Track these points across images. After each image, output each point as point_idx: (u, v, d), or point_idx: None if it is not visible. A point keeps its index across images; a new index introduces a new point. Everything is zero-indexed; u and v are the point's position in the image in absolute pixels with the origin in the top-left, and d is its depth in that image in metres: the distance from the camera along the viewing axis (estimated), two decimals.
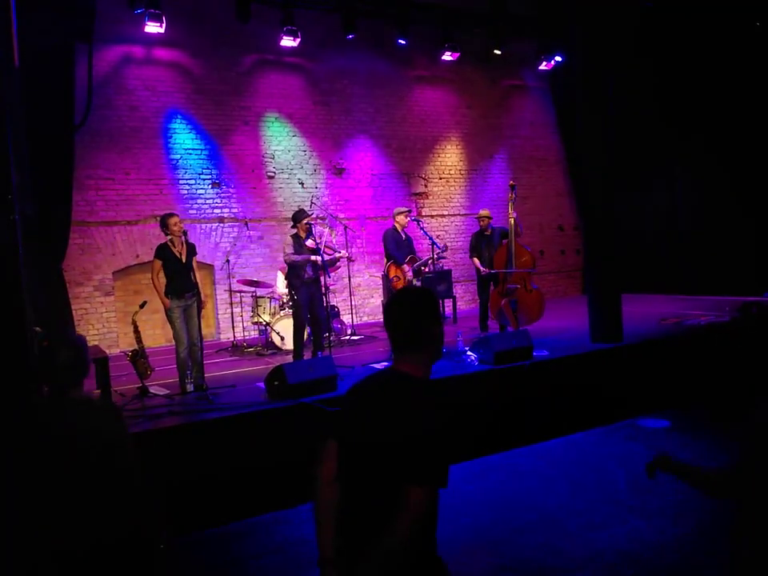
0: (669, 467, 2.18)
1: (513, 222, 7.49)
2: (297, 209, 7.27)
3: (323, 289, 7.01)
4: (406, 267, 7.44)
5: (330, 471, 1.92)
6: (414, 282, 7.35)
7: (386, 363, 6.42)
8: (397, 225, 7.63)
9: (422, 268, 7.52)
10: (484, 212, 7.99)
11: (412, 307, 1.94)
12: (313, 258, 6.61)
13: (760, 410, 1.86)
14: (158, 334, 8.94)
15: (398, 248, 7.46)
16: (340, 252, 6.91)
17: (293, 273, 6.73)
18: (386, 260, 7.65)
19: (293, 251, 6.64)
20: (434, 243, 7.22)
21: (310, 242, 6.66)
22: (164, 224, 5.95)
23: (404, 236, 7.55)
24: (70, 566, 2.11)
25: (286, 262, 6.77)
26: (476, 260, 7.84)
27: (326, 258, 6.88)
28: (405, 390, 1.86)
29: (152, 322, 8.70)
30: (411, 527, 1.72)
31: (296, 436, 4.92)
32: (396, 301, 2.04)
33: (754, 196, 9.76)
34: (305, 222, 6.72)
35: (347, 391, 2.04)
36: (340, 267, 9.01)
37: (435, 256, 7.23)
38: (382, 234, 7.84)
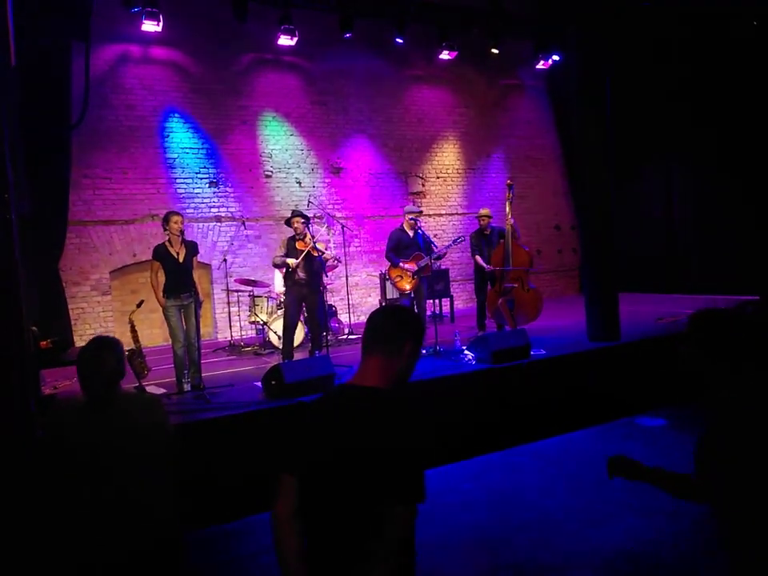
0: (624, 471, 2.06)
1: (510, 227, 7.48)
2: (294, 208, 7.26)
3: (321, 290, 7.00)
4: (407, 266, 7.31)
5: (289, 508, 1.78)
6: (414, 278, 7.27)
7: None
8: (405, 224, 7.54)
9: (431, 263, 7.39)
10: (484, 211, 7.99)
11: (399, 317, 1.91)
12: (288, 260, 6.56)
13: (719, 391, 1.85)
14: (155, 334, 8.93)
15: (397, 248, 7.40)
16: (325, 253, 6.78)
17: (286, 273, 6.77)
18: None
19: (282, 254, 6.68)
20: (431, 245, 7.23)
21: (299, 244, 6.65)
22: (165, 222, 5.98)
23: (412, 234, 7.42)
24: (113, 562, 2.14)
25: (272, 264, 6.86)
26: (478, 258, 7.82)
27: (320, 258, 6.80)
28: (372, 405, 1.75)
29: (149, 321, 8.69)
30: (399, 547, 1.67)
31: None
32: (384, 310, 2.01)
33: (750, 196, 9.77)
34: (293, 223, 6.72)
35: (299, 419, 1.87)
36: (337, 267, 9.00)
37: (433, 260, 7.28)
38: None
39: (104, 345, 2.38)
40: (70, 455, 2.20)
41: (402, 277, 7.31)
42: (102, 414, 2.26)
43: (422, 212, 7.85)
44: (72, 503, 2.17)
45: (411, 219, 7.36)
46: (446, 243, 7.73)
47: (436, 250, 7.30)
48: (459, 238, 7.65)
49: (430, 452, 1.76)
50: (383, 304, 9.32)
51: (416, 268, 7.21)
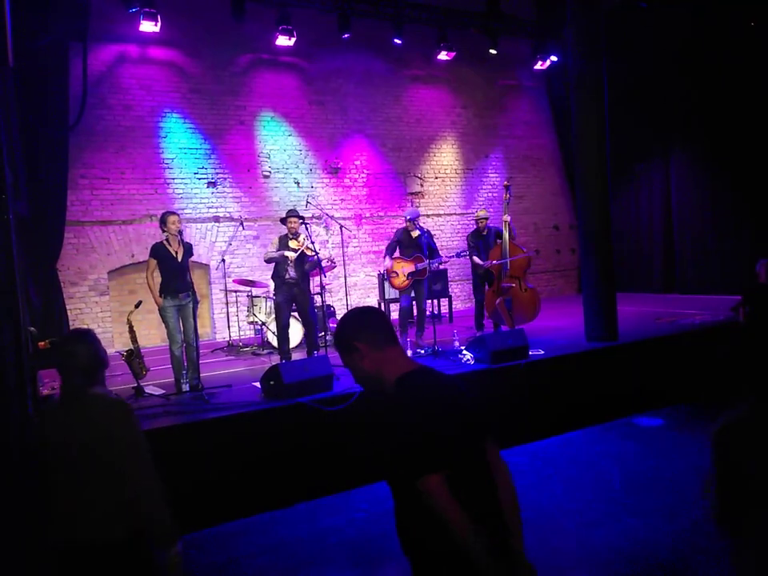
0: None
1: (506, 225, 7.50)
2: (292, 208, 7.26)
3: (318, 290, 6.99)
4: (405, 267, 7.32)
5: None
6: (406, 279, 7.28)
7: None
8: (408, 224, 7.55)
9: (429, 268, 7.39)
10: (482, 213, 8.00)
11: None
12: (286, 253, 6.56)
13: (729, 413, 1.83)
14: (153, 334, 8.92)
15: (396, 246, 7.43)
16: (320, 252, 6.73)
17: (275, 272, 6.74)
18: None
19: (274, 249, 6.68)
20: (435, 251, 7.27)
21: (292, 243, 6.64)
22: (162, 222, 5.96)
23: (415, 236, 7.41)
24: (76, 560, 2.19)
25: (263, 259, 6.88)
26: (475, 258, 7.82)
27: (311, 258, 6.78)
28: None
29: (147, 321, 8.68)
30: (438, 516, 1.72)
31: (291, 436, 4.92)
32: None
33: (749, 195, 9.79)
34: (289, 223, 6.72)
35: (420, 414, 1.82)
36: (335, 267, 9.00)
37: (431, 266, 7.30)
38: None
39: (77, 337, 2.43)
40: (44, 446, 2.31)
41: (397, 274, 7.34)
42: (69, 410, 2.32)
43: (418, 219, 7.69)
44: (50, 488, 2.28)
45: (411, 224, 7.43)
46: (450, 255, 7.79)
47: (435, 259, 7.29)
48: (463, 252, 7.65)
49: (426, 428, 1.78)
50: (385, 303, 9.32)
51: (413, 269, 7.20)
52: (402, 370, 1.88)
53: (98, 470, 2.22)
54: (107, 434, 2.25)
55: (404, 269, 7.24)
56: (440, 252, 7.62)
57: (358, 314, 2.03)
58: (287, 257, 6.54)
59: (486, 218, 7.95)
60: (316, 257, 6.61)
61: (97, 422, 2.27)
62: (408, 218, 7.30)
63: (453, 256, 7.71)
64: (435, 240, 7.95)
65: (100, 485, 2.22)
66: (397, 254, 7.48)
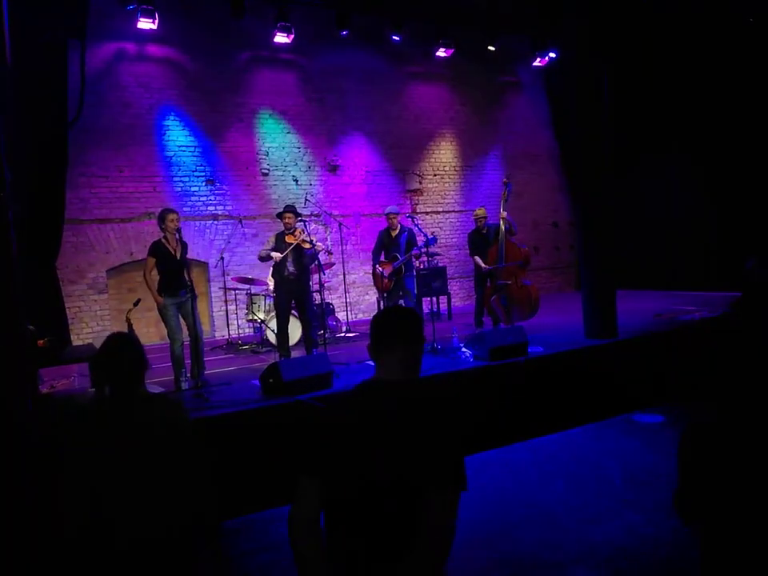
0: None
1: (503, 221, 7.50)
2: (288, 204, 7.28)
3: (316, 286, 7.00)
4: (379, 268, 7.43)
5: (313, 512, 1.83)
6: (388, 280, 7.34)
7: None
8: (388, 224, 7.66)
9: (403, 266, 7.42)
10: (480, 211, 8.01)
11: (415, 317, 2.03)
12: (272, 254, 6.56)
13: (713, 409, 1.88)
14: (152, 332, 8.92)
15: (380, 249, 7.58)
16: (316, 245, 6.70)
17: (274, 269, 6.74)
18: None
19: (270, 247, 6.68)
20: (425, 240, 7.24)
21: (288, 237, 6.64)
22: (161, 219, 5.93)
23: (394, 235, 7.52)
24: (139, 554, 2.19)
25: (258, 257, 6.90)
26: (477, 258, 7.84)
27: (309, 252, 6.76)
28: (407, 397, 1.86)
29: (146, 319, 8.68)
30: (447, 534, 1.71)
31: (291, 433, 4.92)
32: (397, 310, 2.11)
33: (749, 192, 9.79)
34: (284, 218, 6.73)
35: (320, 419, 1.91)
36: (335, 264, 8.99)
37: (410, 256, 7.30)
38: None
39: (126, 340, 2.46)
40: (89, 448, 2.24)
41: (378, 278, 7.42)
42: (126, 412, 2.31)
43: (397, 213, 7.69)
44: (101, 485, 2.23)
45: (391, 220, 7.52)
46: (422, 245, 7.33)
47: (409, 253, 7.28)
48: (432, 238, 7.32)
49: (467, 439, 1.82)
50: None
51: (390, 270, 7.25)
52: (373, 377, 1.92)
53: (158, 469, 2.24)
54: (172, 431, 2.30)
55: (385, 271, 7.33)
56: (420, 241, 7.46)
57: (376, 317, 2.06)
58: (273, 257, 6.54)
59: (485, 217, 7.96)
60: (313, 249, 6.60)
61: (163, 419, 2.32)
62: (389, 213, 7.46)
63: (422, 245, 7.28)
64: (438, 239, 7.97)
65: (159, 484, 2.23)
66: (382, 256, 7.59)
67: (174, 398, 2.57)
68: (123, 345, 2.41)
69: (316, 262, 6.82)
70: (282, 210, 6.94)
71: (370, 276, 10.50)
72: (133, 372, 2.36)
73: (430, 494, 1.70)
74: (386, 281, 7.35)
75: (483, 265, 7.70)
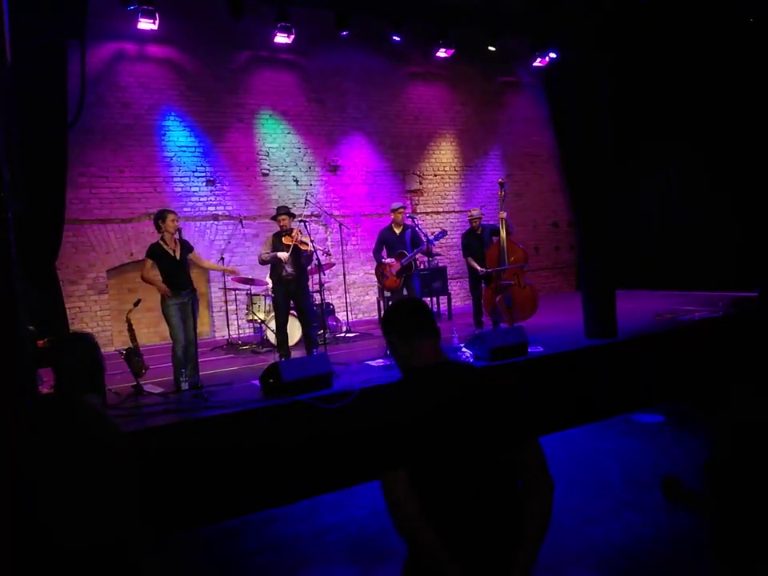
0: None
1: (502, 222, 7.50)
2: (284, 204, 7.29)
3: (316, 287, 6.99)
4: (389, 261, 7.44)
5: (416, 501, 1.81)
6: (396, 278, 7.33)
7: (381, 360, 6.43)
8: (393, 221, 7.66)
9: (413, 263, 7.44)
10: (475, 211, 8.02)
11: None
12: (279, 255, 6.55)
13: (732, 408, 1.89)
14: (152, 332, 8.92)
15: (381, 247, 7.57)
16: (315, 247, 6.72)
17: (272, 270, 6.74)
18: None
19: (269, 250, 6.68)
20: (428, 240, 7.25)
21: (285, 239, 6.64)
22: (160, 220, 5.83)
23: (398, 232, 7.53)
24: (62, 566, 2.10)
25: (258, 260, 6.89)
26: (470, 260, 7.84)
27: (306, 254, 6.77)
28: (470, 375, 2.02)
29: (146, 320, 8.68)
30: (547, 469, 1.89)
31: (291, 433, 4.92)
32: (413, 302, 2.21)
33: (747, 191, 9.78)
34: (280, 221, 6.73)
35: (398, 405, 1.92)
36: (335, 265, 8.99)
37: (418, 254, 7.30)
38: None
39: (77, 337, 2.37)
40: (36, 448, 2.19)
41: (385, 276, 7.39)
42: (63, 413, 2.22)
43: (403, 207, 7.76)
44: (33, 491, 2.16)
45: (398, 215, 7.51)
46: (430, 238, 7.42)
47: (417, 249, 7.29)
48: (442, 232, 7.48)
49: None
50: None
51: (399, 267, 7.24)
52: (424, 363, 1.98)
53: (83, 479, 2.13)
54: (95, 444, 2.17)
55: (392, 268, 7.31)
56: (423, 239, 7.48)
57: (392, 309, 2.15)
58: (280, 258, 6.54)
59: (480, 217, 7.96)
60: (311, 249, 6.60)
61: (94, 437, 2.18)
62: (394, 208, 7.48)
63: (432, 239, 7.40)
64: (430, 234, 7.95)
65: (85, 494, 2.12)
66: (384, 254, 7.58)
67: (113, 421, 2.43)
68: (67, 348, 2.30)
69: (315, 262, 6.83)
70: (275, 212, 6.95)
71: (370, 276, 10.55)
72: (71, 378, 2.22)
73: (522, 451, 1.88)
74: (395, 278, 7.32)
75: (479, 267, 7.69)
